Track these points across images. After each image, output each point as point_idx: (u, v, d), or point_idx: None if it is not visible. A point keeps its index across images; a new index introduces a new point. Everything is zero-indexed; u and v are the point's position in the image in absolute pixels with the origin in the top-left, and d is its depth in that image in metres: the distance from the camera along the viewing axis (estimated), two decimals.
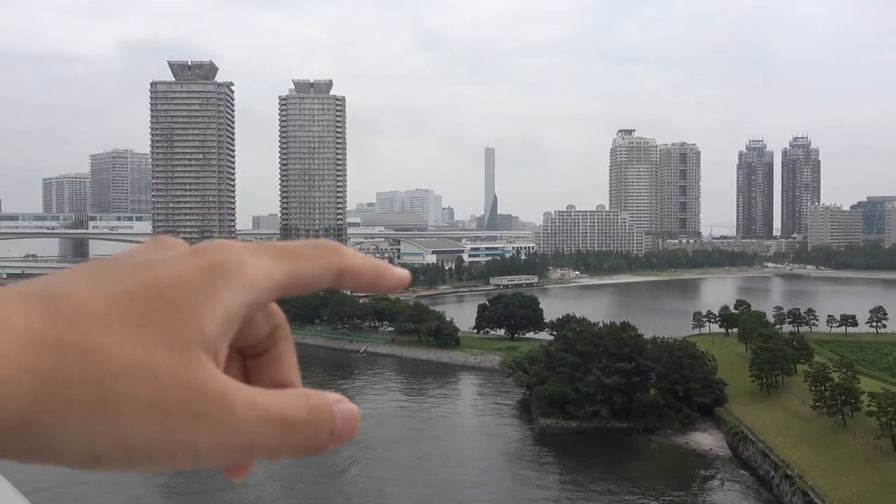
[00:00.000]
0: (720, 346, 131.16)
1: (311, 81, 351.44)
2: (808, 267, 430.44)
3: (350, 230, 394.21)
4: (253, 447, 0.96)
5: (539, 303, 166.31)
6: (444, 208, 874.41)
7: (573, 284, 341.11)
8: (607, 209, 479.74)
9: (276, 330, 1.18)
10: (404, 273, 1.18)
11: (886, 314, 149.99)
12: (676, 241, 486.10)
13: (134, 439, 0.90)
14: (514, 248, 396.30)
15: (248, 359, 1.17)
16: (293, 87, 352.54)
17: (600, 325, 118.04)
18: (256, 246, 1.07)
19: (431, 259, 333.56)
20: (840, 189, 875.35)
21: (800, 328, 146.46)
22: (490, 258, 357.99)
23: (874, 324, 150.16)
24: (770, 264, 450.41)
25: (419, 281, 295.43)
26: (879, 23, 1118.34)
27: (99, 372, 0.88)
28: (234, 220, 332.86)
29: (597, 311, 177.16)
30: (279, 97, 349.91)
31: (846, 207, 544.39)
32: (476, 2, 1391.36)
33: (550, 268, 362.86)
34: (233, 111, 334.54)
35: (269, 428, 0.96)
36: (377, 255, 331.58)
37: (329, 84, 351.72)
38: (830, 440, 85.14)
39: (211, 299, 0.98)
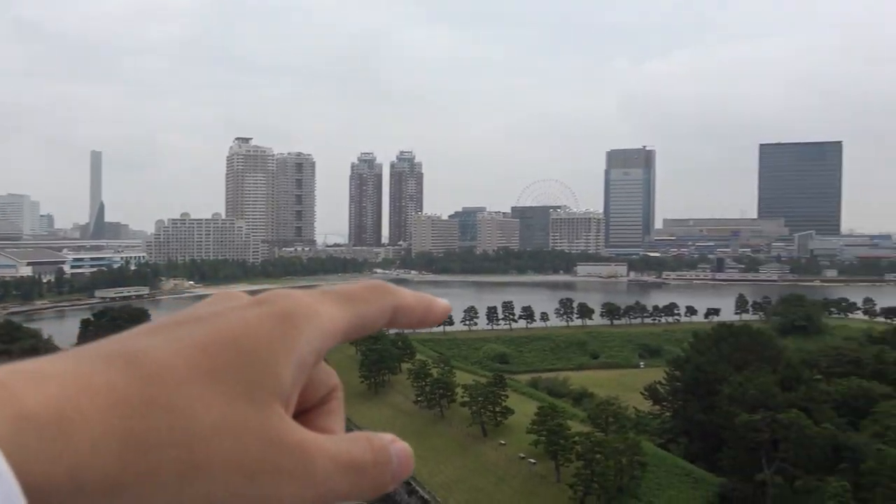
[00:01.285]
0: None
1: None
2: (413, 272, 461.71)
3: None
4: (328, 494, 0.96)
5: (150, 315, 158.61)
6: (42, 215, 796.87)
7: (187, 294, 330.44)
8: (224, 217, 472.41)
9: (334, 390, 1.18)
10: (447, 303, 1.20)
11: (477, 313, 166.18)
12: (292, 249, 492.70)
13: (221, 498, 0.89)
14: (122, 258, 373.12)
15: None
16: None
17: None
18: (318, 292, 1.08)
19: (26, 271, 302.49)
20: (440, 200, 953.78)
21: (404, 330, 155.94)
22: (96, 269, 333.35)
23: (467, 322, 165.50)
24: (379, 270, 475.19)
25: (11, 296, 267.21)
26: (474, 51, 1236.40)
27: (186, 434, 0.86)
28: None
29: None
30: None
31: (445, 217, 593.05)
32: None
33: (163, 278, 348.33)
34: None
35: (342, 474, 0.97)
36: None
37: None
38: (430, 431, 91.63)
39: (285, 348, 0.97)
